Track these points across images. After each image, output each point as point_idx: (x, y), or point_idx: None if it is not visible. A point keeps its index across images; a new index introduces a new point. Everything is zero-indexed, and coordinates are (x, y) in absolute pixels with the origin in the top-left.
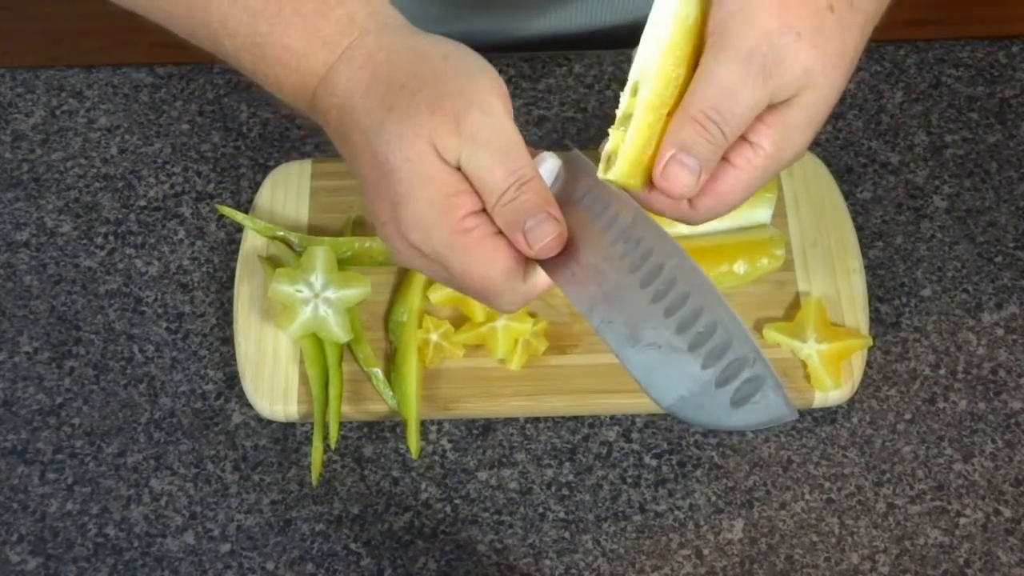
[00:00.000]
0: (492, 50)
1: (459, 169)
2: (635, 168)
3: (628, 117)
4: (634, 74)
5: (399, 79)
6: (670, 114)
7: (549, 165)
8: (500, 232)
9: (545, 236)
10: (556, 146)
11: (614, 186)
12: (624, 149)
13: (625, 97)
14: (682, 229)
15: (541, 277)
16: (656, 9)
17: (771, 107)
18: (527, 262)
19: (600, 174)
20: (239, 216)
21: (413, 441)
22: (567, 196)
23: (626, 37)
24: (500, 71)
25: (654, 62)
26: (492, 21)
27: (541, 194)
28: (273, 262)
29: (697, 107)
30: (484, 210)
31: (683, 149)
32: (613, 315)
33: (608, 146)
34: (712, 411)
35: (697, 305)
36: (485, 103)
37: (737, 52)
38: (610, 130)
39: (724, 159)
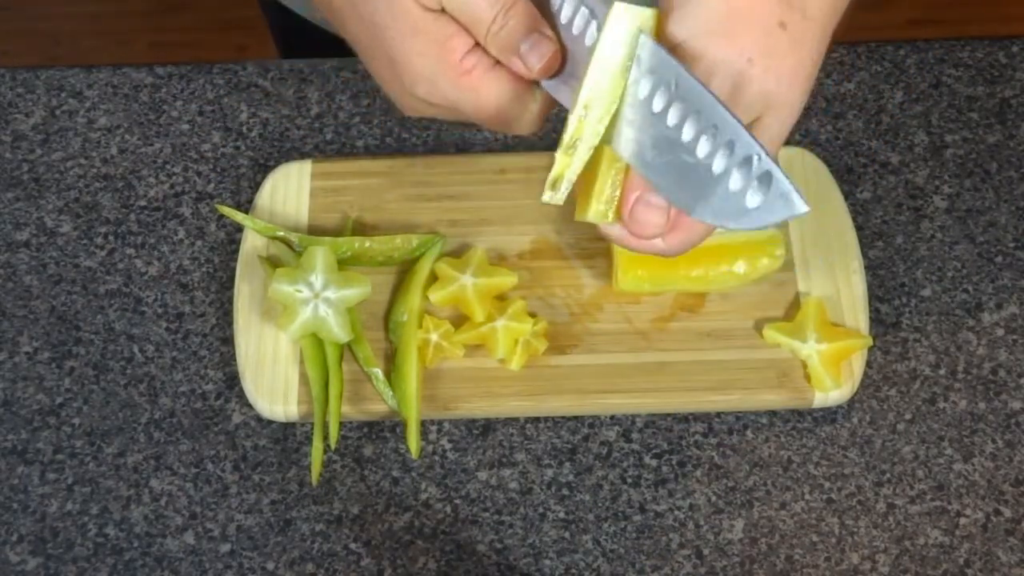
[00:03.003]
0: None
1: (444, 11)
2: (606, 210)
3: (575, 142)
4: (583, 97)
5: None
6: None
7: None
8: (500, 62)
9: (541, 57)
10: (556, 146)
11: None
12: (598, 191)
13: (573, 121)
14: None
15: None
16: (606, 31)
17: None
18: (533, 80)
19: (545, 199)
20: (239, 216)
21: (413, 441)
22: (552, 6)
23: None
24: None
25: (603, 85)
26: None
27: (528, 15)
28: (273, 262)
29: None
30: (479, 45)
31: (648, 187)
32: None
33: (554, 171)
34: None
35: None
36: None
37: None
38: (556, 154)
39: None
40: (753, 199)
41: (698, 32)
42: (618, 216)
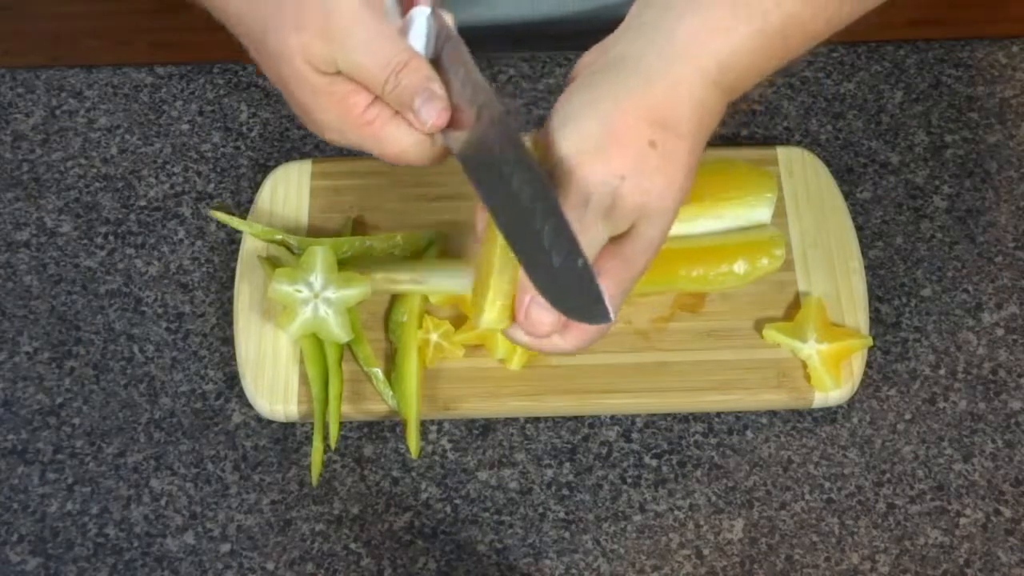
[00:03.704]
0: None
1: (340, 73)
2: (503, 314)
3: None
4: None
5: None
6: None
7: (417, 26)
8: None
9: (431, 114)
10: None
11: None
12: (491, 298)
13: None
14: (682, 231)
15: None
16: None
17: (612, 238)
18: None
19: (473, 322)
20: (236, 222)
21: (413, 441)
22: (443, 56)
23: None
24: (500, 71)
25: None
26: (482, 9)
27: (420, 73)
28: (273, 262)
29: None
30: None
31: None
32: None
33: (489, 298)
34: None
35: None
36: (339, 4)
37: (573, 199)
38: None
39: None
40: (575, 301)
41: (577, 151)
42: (511, 319)
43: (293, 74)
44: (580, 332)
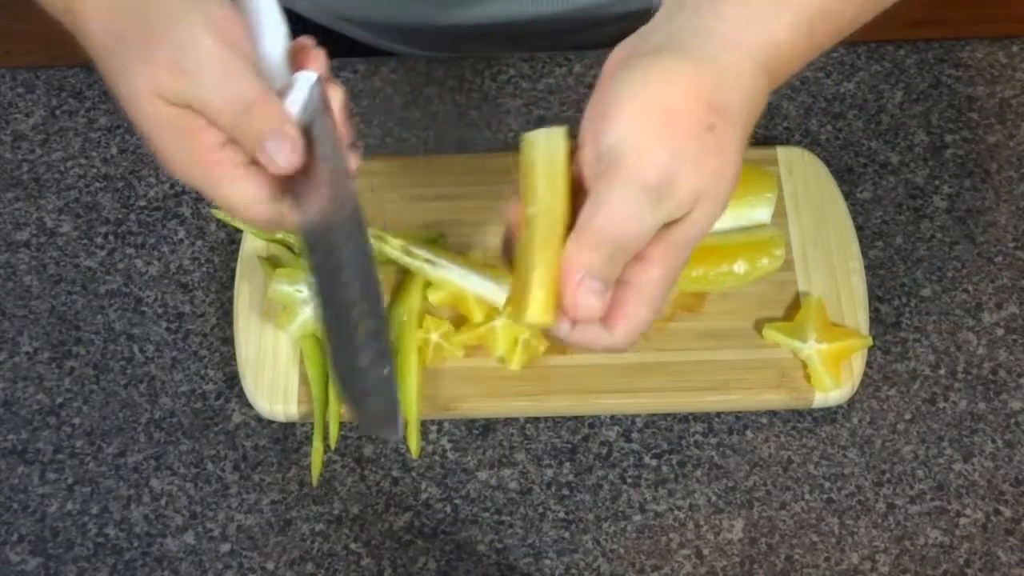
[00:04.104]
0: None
1: (191, 107)
2: (547, 305)
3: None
4: (529, 207)
5: (118, 26)
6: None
7: (299, 89)
8: (253, 161)
9: (281, 153)
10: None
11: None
12: (535, 292)
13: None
14: None
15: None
16: (528, 151)
17: (663, 225)
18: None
19: (514, 320)
20: (236, 222)
21: (413, 441)
22: (315, 125)
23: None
24: (500, 71)
25: (543, 196)
26: (480, 9)
27: (273, 113)
28: (273, 262)
29: (597, 235)
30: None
31: (589, 274)
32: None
33: (533, 291)
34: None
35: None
36: (193, 39)
37: (632, 180)
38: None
39: (619, 281)
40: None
41: (631, 135)
42: (555, 314)
43: (143, 108)
44: (627, 323)
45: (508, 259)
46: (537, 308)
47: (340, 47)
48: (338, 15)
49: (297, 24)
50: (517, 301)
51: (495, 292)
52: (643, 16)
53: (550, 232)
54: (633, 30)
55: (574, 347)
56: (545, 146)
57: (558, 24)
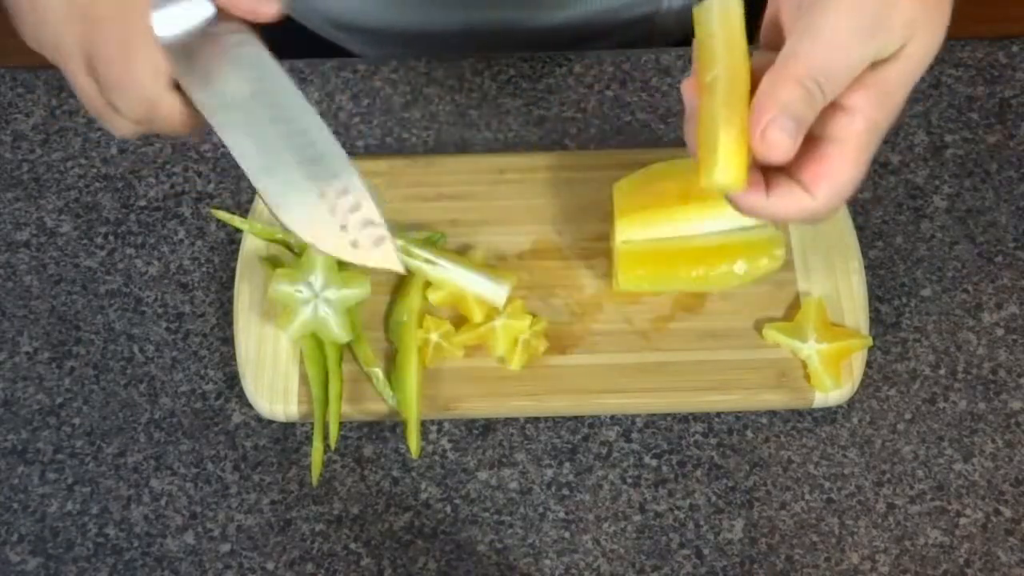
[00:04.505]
0: (497, 45)
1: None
2: (737, 165)
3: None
4: (707, 74)
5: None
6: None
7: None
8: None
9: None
10: (556, 146)
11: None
12: (723, 150)
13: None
14: (682, 231)
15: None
16: (703, 18)
17: (869, 66)
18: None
19: (705, 186)
20: (236, 221)
21: (413, 441)
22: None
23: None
24: (500, 71)
25: (722, 59)
26: (497, 13)
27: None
28: (273, 262)
29: (802, 66)
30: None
31: (783, 111)
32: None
33: (721, 150)
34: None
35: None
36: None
37: (841, 7)
38: (720, 131)
39: (819, 137)
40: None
41: None
42: (743, 179)
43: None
44: (830, 184)
45: (691, 139)
46: (727, 168)
47: (337, 51)
48: (334, 22)
49: (289, 32)
50: (705, 167)
51: (495, 292)
52: (648, 20)
53: (733, 92)
54: (637, 35)
55: (773, 220)
56: (720, 11)
57: (561, 34)
